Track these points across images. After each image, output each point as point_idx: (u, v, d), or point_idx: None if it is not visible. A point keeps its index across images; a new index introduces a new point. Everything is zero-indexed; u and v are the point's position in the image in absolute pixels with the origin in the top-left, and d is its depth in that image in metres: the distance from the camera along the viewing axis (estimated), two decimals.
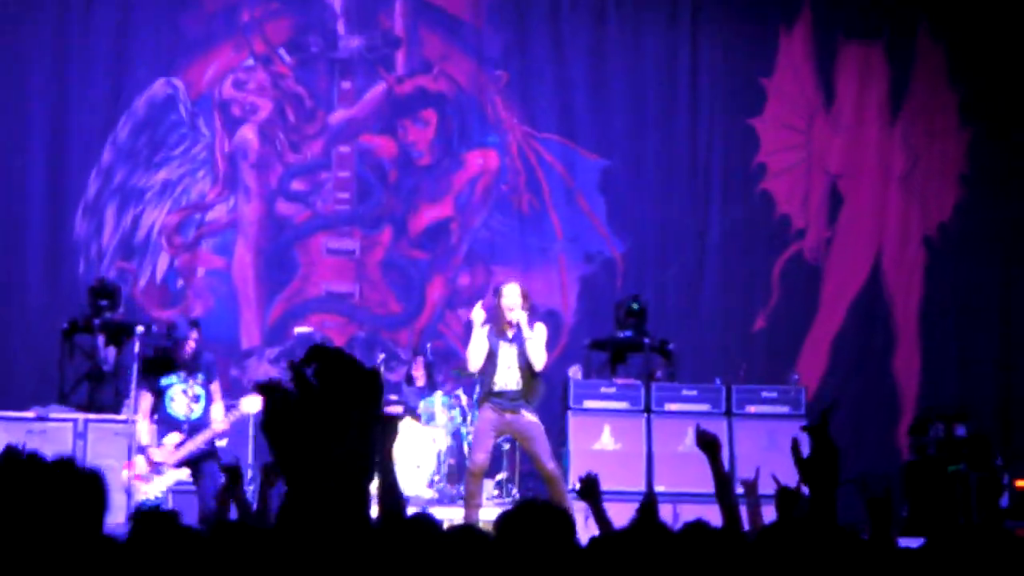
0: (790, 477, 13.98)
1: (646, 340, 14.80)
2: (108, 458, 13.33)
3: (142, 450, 11.51)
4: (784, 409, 14.45)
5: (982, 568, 4.02)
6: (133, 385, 13.48)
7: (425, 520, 5.14)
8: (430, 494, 13.87)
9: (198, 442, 11.34)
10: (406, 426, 13.77)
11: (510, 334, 11.70)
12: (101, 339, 15.04)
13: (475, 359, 11.73)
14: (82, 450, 13.43)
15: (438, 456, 14.17)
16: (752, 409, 14.40)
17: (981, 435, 15.86)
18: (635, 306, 15.15)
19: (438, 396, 14.40)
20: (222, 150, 16.70)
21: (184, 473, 11.43)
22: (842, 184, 17.95)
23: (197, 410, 11.48)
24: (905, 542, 6.92)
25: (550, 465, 11.52)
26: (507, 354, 11.71)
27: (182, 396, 11.49)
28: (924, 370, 17.68)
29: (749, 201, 17.68)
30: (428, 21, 17.24)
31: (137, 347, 12.10)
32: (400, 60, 17.20)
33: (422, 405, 14.46)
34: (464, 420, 14.20)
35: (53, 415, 13.85)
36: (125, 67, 16.57)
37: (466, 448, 14.00)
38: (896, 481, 15.75)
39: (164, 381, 11.55)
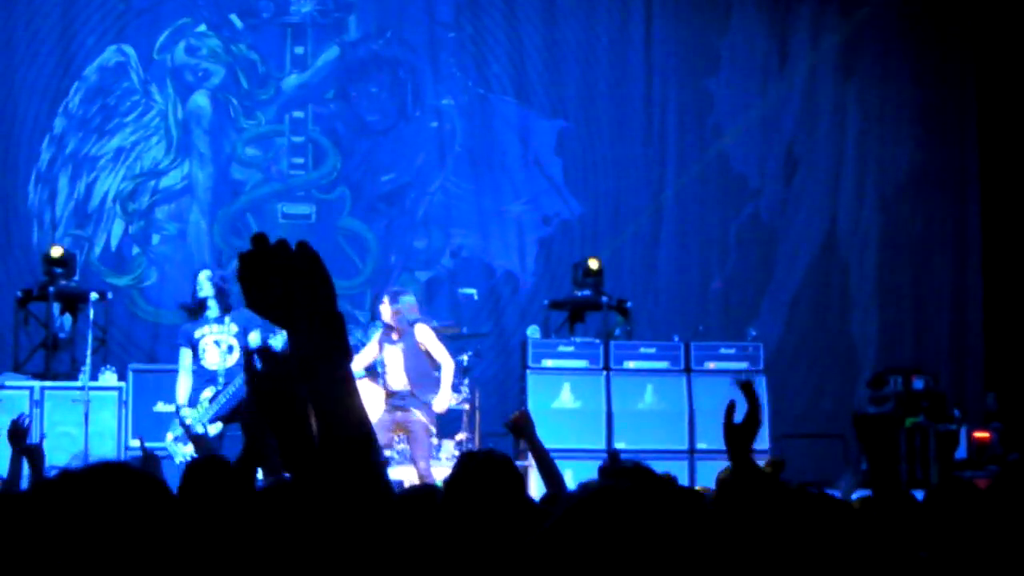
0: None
1: (604, 299, 14.81)
2: (65, 426, 13.31)
3: (178, 409, 11.43)
4: (742, 365, 14.49)
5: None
6: (89, 352, 13.44)
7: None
8: (388, 454, 13.81)
9: (230, 393, 11.20)
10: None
11: (395, 337, 11.96)
12: (56, 307, 14.96)
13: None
14: (39, 418, 13.35)
15: None
16: (711, 365, 14.43)
17: (938, 389, 15.96)
18: (593, 266, 15.15)
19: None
20: (175, 116, 16.59)
21: (217, 428, 11.25)
22: (797, 144, 17.97)
23: (231, 361, 11.35)
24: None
25: (421, 464, 11.81)
26: (392, 356, 12.00)
27: (214, 347, 11.37)
28: (881, 327, 17.75)
29: (704, 161, 17.68)
30: None
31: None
32: (353, 24, 17.10)
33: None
34: None
35: (9, 383, 13.79)
36: (75, 35, 16.44)
37: None
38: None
39: (196, 333, 11.45)
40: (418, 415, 11.94)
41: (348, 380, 2.57)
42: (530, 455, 6.59)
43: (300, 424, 3.05)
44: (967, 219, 18.18)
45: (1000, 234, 17.83)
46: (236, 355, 11.32)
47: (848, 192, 18.05)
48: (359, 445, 2.54)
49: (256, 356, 3.17)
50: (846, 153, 18.09)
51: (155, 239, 16.43)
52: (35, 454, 7.50)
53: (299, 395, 3.08)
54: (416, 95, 17.15)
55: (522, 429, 6.58)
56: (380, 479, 2.55)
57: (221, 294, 11.45)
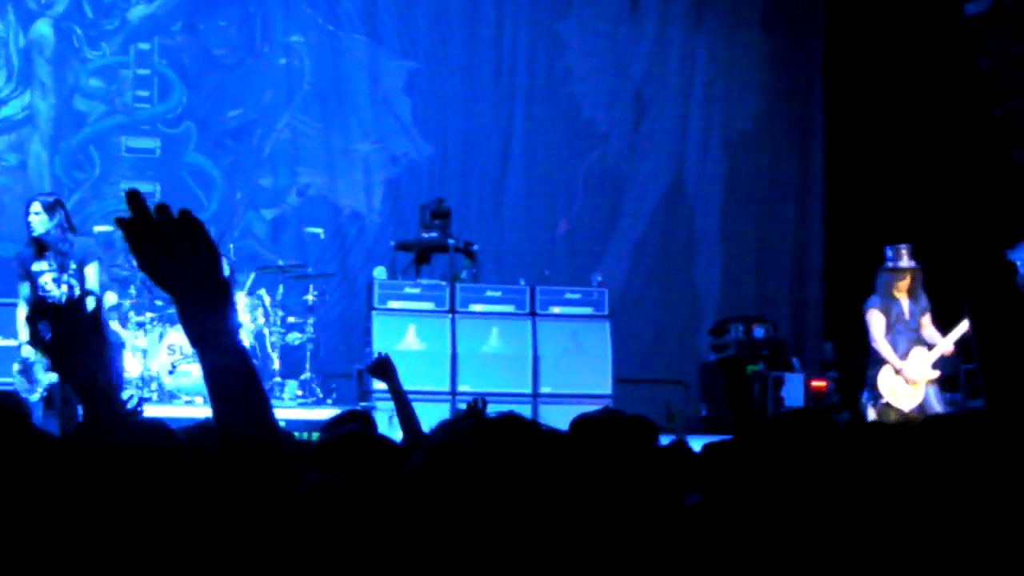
0: (592, 376, 14.08)
1: (451, 241, 14.79)
2: None
3: (20, 348, 11.01)
4: (587, 310, 14.55)
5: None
6: None
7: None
8: None
9: None
10: None
11: None
12: None
13: None
14: None
15: None
16: (556, 310, 14.46)
17: (778, 338, 16.23)
18: (440, 207, 15.12)
19: (241, 297, 14.16)
20: (16, 45, 16.21)
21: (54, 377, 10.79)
22: (646, 90, 18.07)
23: (70, 294, 10.90)
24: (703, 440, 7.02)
25: None
26: None
27: (53, 285, 10.95)
28: (724, 274, 17.97)
29: (553, 105, 17.71)
30: None
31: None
32: None
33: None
34: (267, 321, 14.02)
35: None
36: None
37: (268, 348, 13.87)
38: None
39: (35, 267, 11.00)
40: None
41: (238, 348, 2.64)
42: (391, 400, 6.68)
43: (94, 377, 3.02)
44: (810, 169, 18.46)
45: (842, 185, 18.11)
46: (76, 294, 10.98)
47: (695, 139, 18.22)
48: (256, 410, 2.57)
49: (41, 318, 3.11)
50: (693, 99, 18.25)
51: None
52: None
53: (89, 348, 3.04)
54: (265, 30, 16.94)
55: (383, 372, 6.70)
56: (281, 442, 2.60)
57: (58, 227, 11.00)
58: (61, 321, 3.02)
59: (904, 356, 11.57)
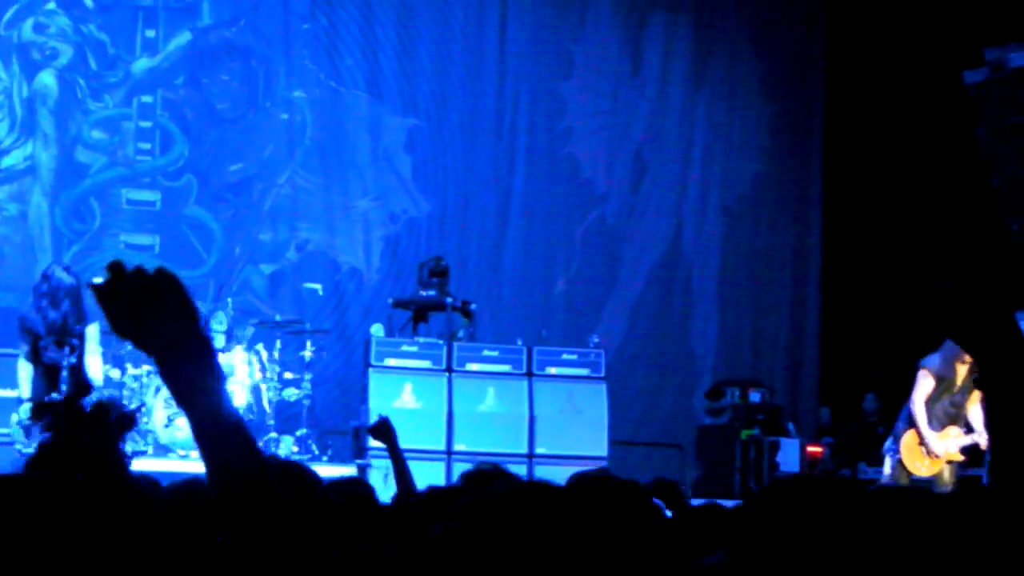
0: (588, 437, 14.07)
1: (448, 300, 14.78)
2: None
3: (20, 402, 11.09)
4: (584, 371, 14.55)
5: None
6: None
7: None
8: None
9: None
10: None
11: None
12: None
13: None
14: None
15: None
16: (552, 371, 14.46)
17: (774, 403, 16.23)
18: (438, 266, 15.14)
19: (238, 351, 14.15)
20: (20, 95, 16.26)
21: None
22: (646, 151, 18.13)
23: (72, 357, 11.01)
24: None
25: None
26: None
27: (54, 345, 11.03)
28: (720, 337, 17.98)
29: (553, 165, 17.77)
30: None
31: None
32: (206, 10, 16.90)
33: (222, 359, 14.20)
34: (264, 375, 14.00)
35: None
36: None
37: (264, 403, 13.85)
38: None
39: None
40: None
41: (225, 402, 2.59)
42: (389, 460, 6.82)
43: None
44: (808, 234, 18.50)
45: (839, 251, 18.16)
46: (77, 349, 11.04)
47: (693, 201, 18.26)
48: (251, 467, 2.56)
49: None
50: (693, 162, 18.31)
51: None
52: None
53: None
54: (267, 85, 17.01)
55: (383, 434, 6.82)
56: (278, 498, 2.58)
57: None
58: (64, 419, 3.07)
59: (939, 428, 11.43)
